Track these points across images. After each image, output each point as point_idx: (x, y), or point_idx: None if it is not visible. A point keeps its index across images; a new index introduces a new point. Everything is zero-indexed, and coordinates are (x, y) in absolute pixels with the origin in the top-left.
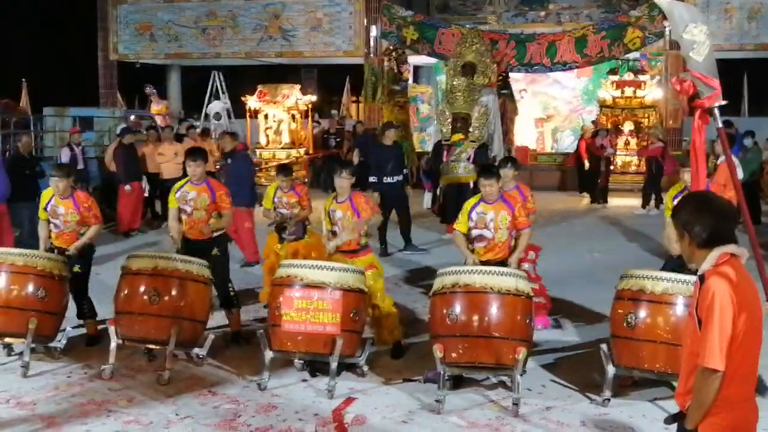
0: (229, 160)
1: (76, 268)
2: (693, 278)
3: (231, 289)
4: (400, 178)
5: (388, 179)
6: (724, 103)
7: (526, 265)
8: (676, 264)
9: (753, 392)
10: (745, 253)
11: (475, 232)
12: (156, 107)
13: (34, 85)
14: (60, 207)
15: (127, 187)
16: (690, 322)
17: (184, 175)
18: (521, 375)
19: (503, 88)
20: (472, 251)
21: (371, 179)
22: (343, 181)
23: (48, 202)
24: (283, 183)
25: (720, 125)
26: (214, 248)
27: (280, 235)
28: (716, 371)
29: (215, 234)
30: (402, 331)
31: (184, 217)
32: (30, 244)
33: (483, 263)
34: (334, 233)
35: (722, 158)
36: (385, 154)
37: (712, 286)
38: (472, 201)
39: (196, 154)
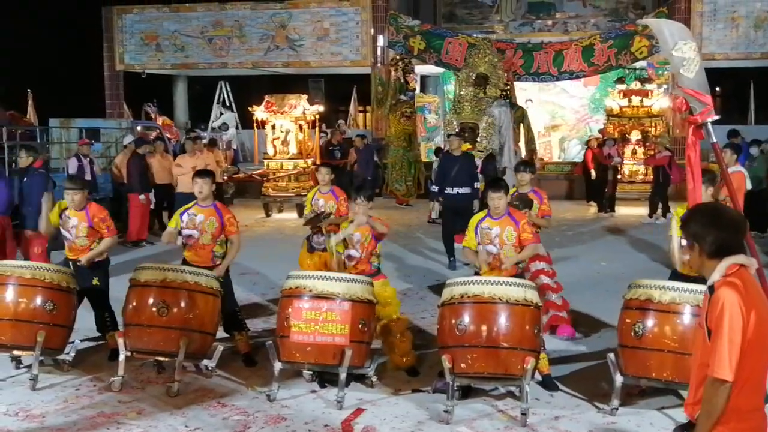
0: (25, 178)
1: (95, 281)
2: (700, 287)
3: (239, 312)
4: (467, 189)
5: (449, 190)
6: (716, 118)
7: (545, 279)
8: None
9: (762, 402)
10: (754, 263)
11: (480, 248)
12: (158, 122)
13: (40, 96)
14: (73, 218)
15: (142, 197)
16: (700, 332)
17: None
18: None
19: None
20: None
21: (432, 188)
22: (359, 207)
23: (63, 211)
24: (323, 178)
25: (714, 140)
26: None
27: (310, 244)
28: (725, 382)
29: (218, 260)
30: (415, 355)
31: (189, 243)
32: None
33: None
34: (350, 257)
35: (732, 168)
36: (450, 163)
37: (721, 296)
38: (478, 216)
39: (204, 173)
